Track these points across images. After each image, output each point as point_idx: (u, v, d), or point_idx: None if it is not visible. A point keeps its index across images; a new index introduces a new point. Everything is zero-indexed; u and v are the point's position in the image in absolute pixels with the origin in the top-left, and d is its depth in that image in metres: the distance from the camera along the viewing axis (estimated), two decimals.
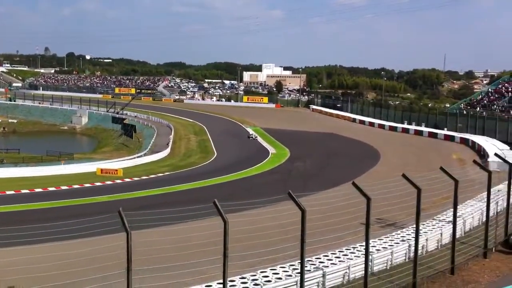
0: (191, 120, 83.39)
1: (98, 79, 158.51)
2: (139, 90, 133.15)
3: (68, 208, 27.91)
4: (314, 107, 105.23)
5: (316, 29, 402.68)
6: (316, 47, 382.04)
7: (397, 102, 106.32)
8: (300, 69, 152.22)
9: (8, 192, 33.71)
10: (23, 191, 34.24)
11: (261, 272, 12.99)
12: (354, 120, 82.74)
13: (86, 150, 70.22)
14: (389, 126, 71.66)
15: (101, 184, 38.18)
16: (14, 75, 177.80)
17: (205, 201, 12.24)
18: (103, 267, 12.30)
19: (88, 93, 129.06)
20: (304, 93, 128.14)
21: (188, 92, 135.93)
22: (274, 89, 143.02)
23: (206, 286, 12.16)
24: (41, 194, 33.65)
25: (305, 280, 11.87)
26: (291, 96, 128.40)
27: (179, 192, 32.68)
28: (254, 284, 12.24)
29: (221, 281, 10.94)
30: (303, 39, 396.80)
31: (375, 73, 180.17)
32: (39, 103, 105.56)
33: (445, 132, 61.79)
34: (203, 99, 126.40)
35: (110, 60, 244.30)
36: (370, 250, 13.11)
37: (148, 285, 11.86)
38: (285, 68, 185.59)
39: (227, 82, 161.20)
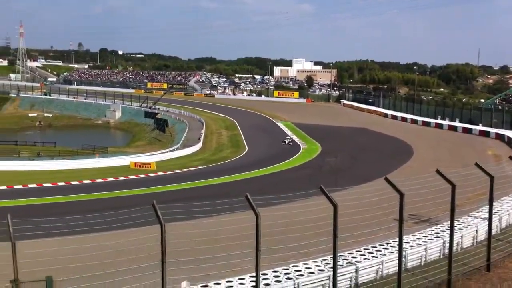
0: (222, 115, 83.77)
1: (130, 74, 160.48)
2: (170, 85, 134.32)
3: (102, 201, 28.49)
4: (345, 102, 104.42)
5: (346, 23, 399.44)
6: (347, 42, 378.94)
7: (430, 97, 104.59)
8: (331, 64, 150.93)
9: (45, 184, 34.56)
10: (59, 183, 35.06)
11: (294, 266, 13.05)
12: (386, 115, 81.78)
13: (120, 144, 71.32)
14: (422, 121, 70.57)
15: (135, 177, 38.80)
16: (49, 70, 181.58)
17: (237, 195, 12.35)
18: (137, 258, 12.53)
19: (121, 88, 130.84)
20: (335, 88, 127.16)
21: (219, 87, 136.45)
22: (305, 84, 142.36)
23: (239, 279, 12.29)
24: (76, 186, 34.42)
25: (338, 274, 11.86)
26: (322, 91, 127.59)
27: (211, 186, 32.96)
28: (286, 278, 12.32)
29: (254, 274, 11.03)
30: (333, 34, 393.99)
31: (407, 67, 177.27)
32: (74, 98, 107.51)
33: (480, 127, 60.56)
34: (233, 94, 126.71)
35: (142, 55, 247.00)
36: (404, 246, 13.01)
37: (182, 276, 12.02)
38: (316, 63, 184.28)
39: (257, 77, 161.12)
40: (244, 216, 12.06)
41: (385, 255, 13.88)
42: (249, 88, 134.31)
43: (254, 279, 11.24)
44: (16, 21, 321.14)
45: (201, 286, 11.93)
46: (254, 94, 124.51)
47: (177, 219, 13.32)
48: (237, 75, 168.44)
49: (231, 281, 12.18)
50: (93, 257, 14.25)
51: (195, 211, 18.48)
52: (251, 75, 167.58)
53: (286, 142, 54.21)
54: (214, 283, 12.06)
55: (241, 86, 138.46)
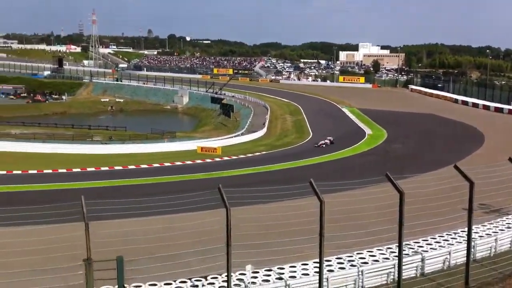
0: (287, 100, 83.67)
1: (197, 60, 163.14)
2: (236, 71, 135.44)
3: (170, 184, 29.35)
4: (413, 87, 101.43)
5: (415, 6, 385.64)
6: (416, 25, 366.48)
7: (503, 82, 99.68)
8: (399, 48, 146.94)
9: (116, 168, 36.02)
10: (130, 166, 36.46)
11: (358, 253, 13.00)
12: (456, 100, 78.78)
13: (187, 128, 72.91)
14: (495, 107, 67.47)
15: (201, 161, 39.68)
16: (120, 56, 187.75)
17: (301, 180, 12.40)
18: (203, 241, 12.88)
19: (189, 73, 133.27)
20: (403, 73, 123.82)
21: (284, 72, 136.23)
22: (371, 69, 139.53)
23: (302, 264, 12.39)
24: (146, 170, 35.65)
25: (403, 263, 11.71)
26: (389, 76, 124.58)
27: (275, 171, 33.17)
28: (350, 265, 12.30)
29: (317, 260, 11.09)
30: (401, 17, 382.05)
31: (479, 51, 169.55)
32: (144, 83, 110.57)
33: None
34: (298, 79, 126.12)
35: (209, 41, 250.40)
36: (473, 236, 12.64)
37: (246, 260, 12.26)
38: (383, 47, 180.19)
39: (322, 62, 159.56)
40: (308, 202, 12.12)
41: (452, 245, 13.55)
42: (314, 73, 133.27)
43: (317, 265, 11.31)
44: (89, 9, 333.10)
45: (265, 270, 12.12)
46: (319, 79, 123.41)
47: (242, 204, 13.57)
48: (302, 60, 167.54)
49: (295, 266, 12.30)
50: (161, 239, 14.78)
51: (260, 195, 18.70)
52: (316, 60, 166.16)
53: (318, 144, 44.27)
54: (278, 268, 12.22)
55: (306, 71, 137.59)
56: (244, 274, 11.87)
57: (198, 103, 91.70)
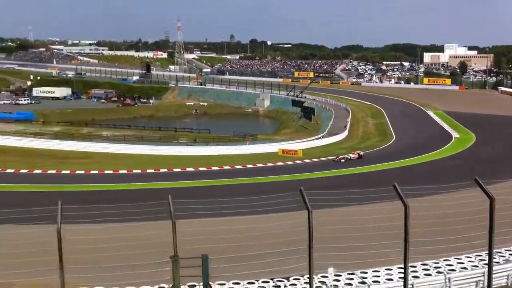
0: (369, 103, 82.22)
1: (278, 63, 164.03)
2: (317, 74, 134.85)
3: (252, 185, 29.80)
4: (503, 88, 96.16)
5: (505, 3, 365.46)
6: (506, 24, 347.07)
7: None
8: (487, 49, 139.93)
9: (200, 169, 37.07)
10: (214, 168, 37.41)
11: (445, 260, 12.61)
12: None
13: (269, 131, 73.51)
14: None
15: (283, 164, 39.92)
16: (204, 61, 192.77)
17: (383, 184, 12.22)
18: (285, 242, 12.96)
19: (270, 77, 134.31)
20: (492, 74, 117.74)
21: (365, 75, 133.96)
22: (458, 70, 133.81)
23: (386, 269, 12.21)
24: (229, 171, 36.43)
25: (493, 271, 11.23)
26: (477, 77, 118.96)
27: (356, 175, 32.77)
28: (437, 272, 11.96)
29: (402, 265, 10.89)
30: (490, 16, 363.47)
31: None
32: (226, 87, 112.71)
33: None
34: (381, 81, 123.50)
35: (290, 45, 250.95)
36: None
37: (328, 262, 12.25)
38: (470, 48, 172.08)
39: (406, 63, 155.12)
40: (391, 206, 11.94)
41: None
42: (396, 76, 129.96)
43: (402, 270, 11.11)
44: (175, 17, 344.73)
45: (347, 274, 12.06)
46: (402, 82, 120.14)
47: (324, 206, 13.55)
48: (384, 62, 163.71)
49: (378, 271, 12.14)
50: (244, 239, 15.05)
51: (342, 198, 18.60)
52: (399, 62, 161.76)
53: (337, 158, 39.27)
54: (361, 272, 12.12)
55: (388, 74, 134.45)
56: (326, 277, 11.88)
57: (279, 106, 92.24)
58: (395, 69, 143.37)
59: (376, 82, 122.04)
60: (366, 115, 69.69)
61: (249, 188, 28.48)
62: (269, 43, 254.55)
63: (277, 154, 45.01)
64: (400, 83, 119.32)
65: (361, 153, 40.72)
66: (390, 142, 49.80)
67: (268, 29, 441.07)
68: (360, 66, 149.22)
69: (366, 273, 12.07)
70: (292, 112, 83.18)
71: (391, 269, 12.15)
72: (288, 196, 12.97)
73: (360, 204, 17.66)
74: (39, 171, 36.96)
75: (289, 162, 40.84)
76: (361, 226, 16.14)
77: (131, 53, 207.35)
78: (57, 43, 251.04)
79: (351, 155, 40.04)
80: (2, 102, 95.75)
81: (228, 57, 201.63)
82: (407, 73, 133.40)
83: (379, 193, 12.56)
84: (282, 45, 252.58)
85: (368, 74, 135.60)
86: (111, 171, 36.19)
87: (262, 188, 27.78)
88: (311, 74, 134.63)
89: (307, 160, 41.89)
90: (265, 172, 35.72)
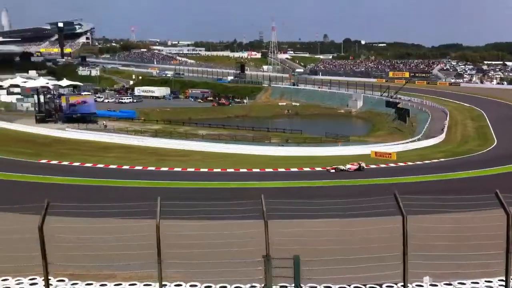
0: (468, 105, 78.56)
1: (372, 63, 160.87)
2: (413, 74, 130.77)
3: (343, 188, 29.53)
4: None
5: None
6: None
7: None
8: None
9: (292, 169, 37.33)
10: (305, 168, 37.55)
11: None
12: None
13: (361, 133, 72.44)
14: None
15: (375, 166, 39.20)
16: (297, 61, 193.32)
17: (484, 190, 11.72)
18: (378, 247, 12.77)
19: (363, 77, 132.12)
20: None
21: (465, 75, 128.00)
22: None
23: (486, 281, 11.71)
24: (320, 173, 36.34)
25: None
26: None
27: (455, 180, 31.46)
28: None
29: (503, 278, 10.42)
30: None
31: None
32: (319, 88, 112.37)
33: None
34: (481, 82, 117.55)
35: (384, 44, 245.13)
36: None
37: (423, 271, 11.95)
38: None
39: (509, 63, 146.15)
40: (491, 214, 11.42)
41: None
42: (499, 76, 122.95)
43: (503, 283, 10.62)
44: (269, 17, 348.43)
45: (444, 284, 11.70)
46: (505, 83, 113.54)
47: (418, 212, 13.21)
48: (485, 62, 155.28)
49: (477, 283, 11.66)
50: (336, 242, 14.99)
51: (438, 204, 17.99)
52: (501, 62, 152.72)
53: (328, 168, 36.02)
54: (458, 283, 11.71)
55: (490, 74, 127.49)
56: (422, 286, 11.60)
57: (372, 107, 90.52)
58: (497, 69, 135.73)
59: (477, 83, 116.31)
60: (465, 118, 66.70)
61: (340, 190, 28.29)
62: (363, 42, 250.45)
63: (369, 156, 44.26)
64: (502, 84, 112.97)
65: (362, 164, 36.56)
66: (491, 147, 47.30)
67: (362, 28, 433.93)
68: (459, 66, 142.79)
69: (464, 284, 11.64)
70: (385, 113, 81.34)
71: (491, 281, 11.64)
72: (381, 200, 12.79)
73: (457, 211, 16.95)
74: (140, 167, 39.08)
75: (382, 165, 40.02)
76: (458, 235, 15.54)
77: (227, 53, 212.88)
78: (157, 43, 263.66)
79: (348, 166, 35.74)
80: (106, 100, 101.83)
81: (321, 57, 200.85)
82: (511, 74, 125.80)
83: (478, 200, 12.03)
84: (376, 44, 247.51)
85: (468, 74, 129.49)
86: (206, 169, 37.40)
87: (354, 191, 27.53)
88: (407, 74, 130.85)
89: (401, 164, 40.81)
90: (357, 174, 35.25)
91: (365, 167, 36.47)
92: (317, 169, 37.63)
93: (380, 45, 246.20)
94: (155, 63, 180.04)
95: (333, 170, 35.39)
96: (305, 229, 17.71)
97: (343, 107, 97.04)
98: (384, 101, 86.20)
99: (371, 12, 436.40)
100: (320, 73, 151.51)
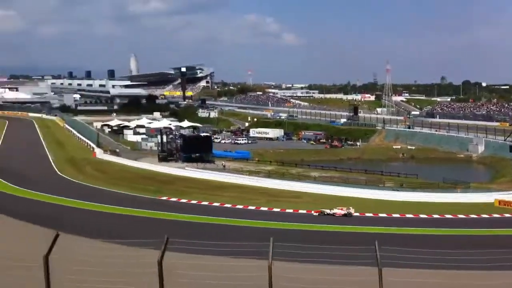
0: None
1: (494, 106, 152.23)
2: None
3: (464, 237, 28.08)
4: None
5: None
6: None
7: None
8: None
9: (407, 215, 36.15)
10: (421, 215, 36.20)
11: None
12: None
13: (482, 179, 68.39)
14: None
15: (499, 216, 36.82)
16: (412, 104, 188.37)
17: None
18: None
19: (484, 120, 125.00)
20: None
21: None
22: None
23: None
24: (437, 220, 34.87)
25: None
26: None
27: None
28: None
29: None
30: None
31: None
32: (436, 131, 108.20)
33: None
34: None
35: (507, 86, 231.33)
36: None
37: None
38: None
39: None
40: None
41: None
42: None
43: None
44: (383, 60, 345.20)
45: None
46: None
47: None
48: None
49: None
50: None
51: None
52: None
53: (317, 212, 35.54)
54: None
55: None
56: None
57: (495, 152, 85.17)
58: None
59: None
60: None
61: (460, 240, 26.92)
62: (483, 84, 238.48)
63: (492, 204, 41.59)
64: None
65: (352, 210, 35.05)
66: None
67: (482, 70, 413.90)
68: None
69: None
70: (510, 158, 76.13)
71: None
72: (506, 253, 12.12)
73: None
74: (253, 207, 40.03)
75: (507, 215, 37.43)
76: None
77: (340, 95, 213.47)
78: (272, 87, 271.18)
79: (336, 210, 34.43)
80: (223, 141, 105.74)
81: (438, 99, 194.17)
82: None
83: None
84: (498, 86, 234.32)
85: None
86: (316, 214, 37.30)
87: (475, 241, 26.06)
88: None
89: None
90: (479, 223, 33.36)
91: (353, 214, 34.95)
92: (434, 216, 36.07)
93: (503, 87, 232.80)
94: (269, 105, 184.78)
95: (317, 214, 34.46)
96: (422, 279, 17.02)
97: (463, 151, 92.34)
98: (508, 146, 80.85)
99: (493, 52, 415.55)
100: (438, 116, 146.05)
